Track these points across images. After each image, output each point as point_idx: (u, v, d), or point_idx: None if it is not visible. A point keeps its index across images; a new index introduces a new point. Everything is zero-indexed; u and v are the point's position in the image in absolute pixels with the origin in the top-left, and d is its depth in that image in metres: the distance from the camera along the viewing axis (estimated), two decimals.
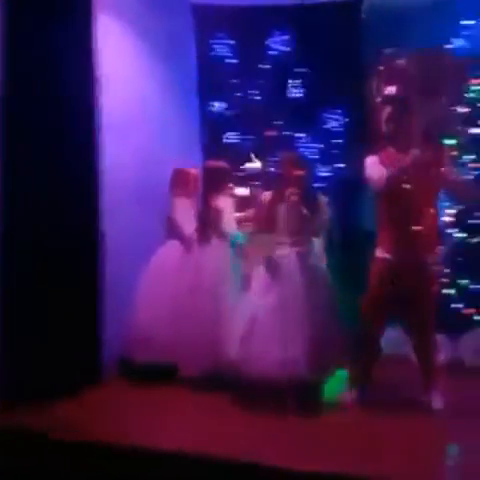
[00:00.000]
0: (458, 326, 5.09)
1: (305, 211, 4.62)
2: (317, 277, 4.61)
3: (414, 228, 4.32)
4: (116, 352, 5.20)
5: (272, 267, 4.60)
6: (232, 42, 6.51)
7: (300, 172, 4.72)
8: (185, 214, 5.37)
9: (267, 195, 4.79)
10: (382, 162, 4.46)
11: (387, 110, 4.57)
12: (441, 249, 4.63)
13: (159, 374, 5.01)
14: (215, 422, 4.31)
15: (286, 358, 4.32)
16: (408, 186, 4.34)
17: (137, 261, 5.26)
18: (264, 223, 4.74)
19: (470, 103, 5.64)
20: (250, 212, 5.22)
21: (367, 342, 4.53)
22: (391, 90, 6.45)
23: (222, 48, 6.52)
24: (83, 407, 4.57)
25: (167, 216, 5.43)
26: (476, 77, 5.67)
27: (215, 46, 6.53)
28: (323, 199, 4.81)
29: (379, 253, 4.48)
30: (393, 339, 5.17)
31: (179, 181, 5.48)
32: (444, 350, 5.25)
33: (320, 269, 4.75)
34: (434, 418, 4.30)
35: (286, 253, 4.62)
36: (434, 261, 4.46)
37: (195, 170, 5.56)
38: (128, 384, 5.08)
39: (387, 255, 4.43)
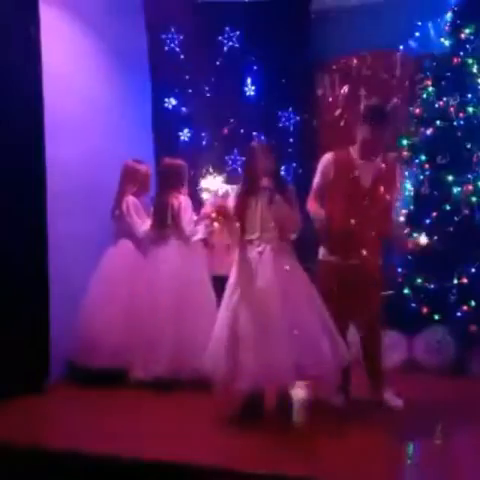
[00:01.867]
0: (413, 325, 5.08)
1: (282, 204, 4.25)
2: (295, 275, 4.28)
3: (358, 229, 4.31)
4: (63, 355, 5.08)
5: (244, 266, 4.29)
6: (184, 38, 6.44)
7: (273, 161, 4.37)
8: (136, 212, 5.26)
9: (237, 189, 4.48)
10: (342, 166, 4.42)
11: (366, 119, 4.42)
12: (387, 249, 4.58)
13: (108, 378, 4.88)
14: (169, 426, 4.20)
15: (265, 365, 4.01)
16: (362, 198, 4.35)
17: (86, 261, 5.13)
18: (235, 219, 4.38)
19: (423, 103, 5.63)
20: (214, 208, 5.08)
21: None
22: (344, 90, 6.50)
23: (174, 44, 6.44)
24: (28, 412, 4.45)
25: (117, 214, 5.30)
26: (428, 77, 5.67)
27: (167, 42, 6.45)
28: (293, 190, 4.42)
29: (323, 256, 4.49)
30: None
31: (129, 178, 5.35)
32: (400, 349, 5.29)
33: (298, 267, 4.35)
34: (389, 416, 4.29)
35: (260, 250, 4.28)
36: (379, 261, 4.45)
37: (146, 167, 5.44)
38: (75, 388, 4.96)
39: (331, 257, 4.43)
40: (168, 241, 5.12)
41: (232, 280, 4.32)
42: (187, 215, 5.10)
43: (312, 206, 4.46)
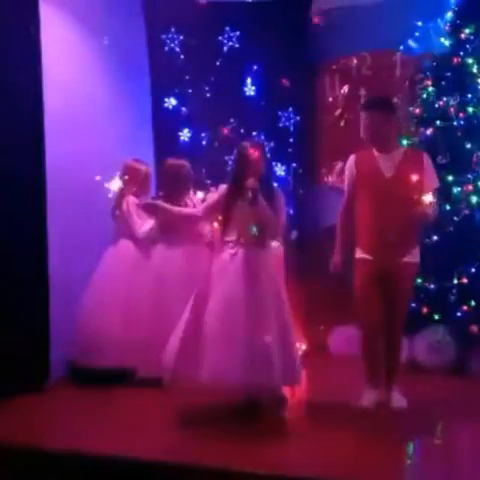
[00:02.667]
0: (413, 325, 5.07)
1: (264, 207, 4.21)
2: (264, 283, 4.20)
3: (393, 228, 4.28)
4: (63, 355, 5.06)
5: (218, 268, 4.26)
6: (184, 38, 6.43)
7: (262, 163, 4.31)
8: (137, 212, 5.25)
9: (222, 188, 4.43)
10: (363, 162, 4.45)
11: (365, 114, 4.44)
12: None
13: (108, 378, 4.88)
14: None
15: (220, 367, 3.99)
16: (387, 188, 4.33)
17: (86, 261, 5.12)
18: (218, 219, 4.40)
19: (423, 103, 5.63)
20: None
21: (371, 340, 4.46)
22: (344, 90, 6.51)
23: (174, 45, 6.43)
24: (28, 412, 4.44)
25: (117, 214, 5.29)
26: (428, 77, 5.68)
27: (167, 42, 6.43)
28: (281, 195, 4.41)
29: (359, 254, 4.46)
30: None
31: (129, 178, 5.34)
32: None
33: (270, 274, 4.29)
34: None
35: (233, 253, 4.24)
36: (412, 260, 4.42)
37: (146, 167, 5.44)
38: (75, 388, 4.95)
39: (367, 256, 4.41)
40: (173, 242, 5.11)
41: (201, 279, 4.33)
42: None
43: (339, 220, 4.57)
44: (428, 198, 4.20)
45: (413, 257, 4.39)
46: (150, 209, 4.82)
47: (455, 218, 5.31)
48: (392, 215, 4.26)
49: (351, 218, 4.50)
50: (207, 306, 4.17)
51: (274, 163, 6.09)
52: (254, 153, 4.30)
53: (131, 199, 5.27)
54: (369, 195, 4.38)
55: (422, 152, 4.55)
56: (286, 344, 4.18)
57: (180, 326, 4.24)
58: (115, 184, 5.22)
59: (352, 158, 4.51)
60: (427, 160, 4.42)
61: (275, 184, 4.55)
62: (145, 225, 5.22)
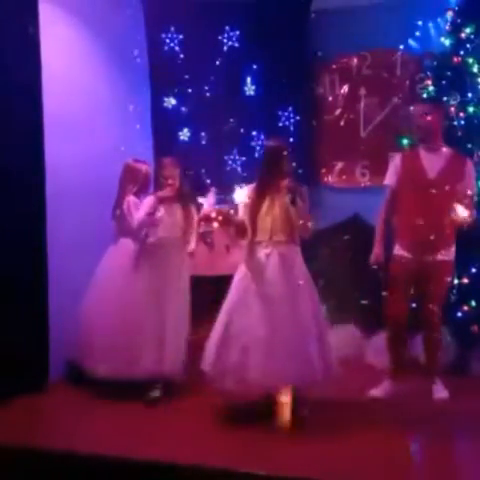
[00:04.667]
0: (413, 325, 5.07)
1: (291, 206, 4.20)
2: (301, 278, 4.23)
3: (431, 225, 4.46)
4: (63, 355, 5.06)
5: (253, 269, 4.24)
6: (184, 38, 6.42)
7: (284, 160, 4.31)
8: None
9: (251, 189, 4.39)
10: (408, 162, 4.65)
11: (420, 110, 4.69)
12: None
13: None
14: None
15: (267, 368, 3.99)
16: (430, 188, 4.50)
17: (86, 261, 5.09)
18: (246, 221, 4.33)
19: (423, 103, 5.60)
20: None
21: (396, 336, 4.68)
22: (344, 89, 6.50)
23: (174, 44, 6.42)
24: (28, 412, 4.46)
25: (118, 214, 5.28)
26: (428, 76, 5.67)
27: (167, 42, 6.42)
28: (306, 191, 4.37)
29: (397, 251, 4.64)
30: None
31: (130, 178, 5.32)
32: None
33: (303, 271, 4.29)
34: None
35: (268, 253, 4.24)
36: (447, 258, 4.60)
37: (146, 166, 5.42)
38: (75, 388, 4.93)
39: (405, 253, 4.58)
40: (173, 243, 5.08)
41: (236, 280, 4.29)
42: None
43: (378, 216, 4.75)
44: (463, 208, 4.39)
45: (448, 255, 4.59)
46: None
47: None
48: (429, 214, 4.46)
49: (391, 214, 4.71)
50: (247, 307, 4.16)
51: None
52: (280, 152, 4.34)
53: (132, 199, 5.26)
54: (411, 194, 4.56)
55: (466, 158, 4.73)
56: (324, 342, 4.23)
57: (218, 328, 4.22)
58: None
59: (398, 156, 4.74)
60: (471, 167, 4.64)
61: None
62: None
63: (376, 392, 4.68)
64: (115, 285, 5.07)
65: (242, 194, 4.48)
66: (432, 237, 4.48)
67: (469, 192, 4.51)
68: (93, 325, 4.95)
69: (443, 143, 4.71)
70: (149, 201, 4.86)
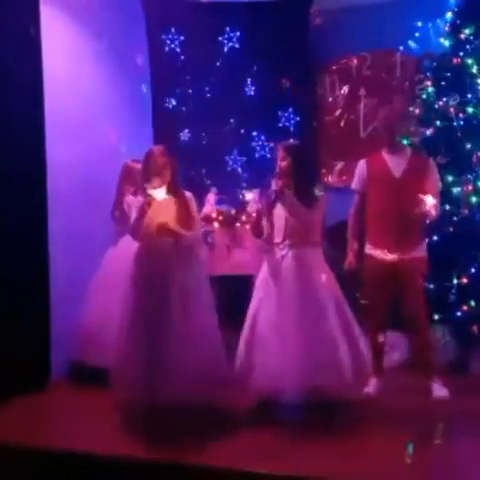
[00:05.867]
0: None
1: (301, 207, 4.16)
2: (319, 282, 4.17)
3: (402, 223, 4.48)
4: (65, 354, 5.07)
5: (271, 270, 4.22)
6: (184, 39, 6.44)
7: (288, 161, 4.25)
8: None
9: (257, 193, 4.46)
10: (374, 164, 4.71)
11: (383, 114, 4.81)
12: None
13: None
14: None
15: (287, 372, 3.95)
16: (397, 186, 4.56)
17: (87, 260, 5.12)
18: (260, 224, 4.31)
19: (422, 104, 5.62)
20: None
21: (375, 332, 4.68)
22: (344, 90, 6.51)
23: (175, 45, 6.44)
24: (29, 411, 4.45)
25: (117, 215, 5.29)
26: (428, 77, 5.67)
27: (167, 43, 6.44)
28: (322, 192, 4.31)
29: (369, 250, 4.66)
30: None
31: (128, 178, 5.33)
32: (400, 349, 5.30)
33: (320, 272, 4.23)
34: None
35: (283, 255, 4.22)
36: (419, 255, 4.61)
37: None
38: (77, 387, 4.93)
39: (378, 251, 4.60)
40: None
41: (257, 283, 4.31)
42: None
43: (349, 220, 4.79)
44: (431, 199, 4.40)
45: (420, 252, 4.61)
46: None
47: (455, 218, 5.30)
48: (397, 213, 4.48)
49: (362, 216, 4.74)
50: (263, 309, 4.17)
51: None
52: (277, 154, 4.34)
53: (131, 199, 5.27)
54: (379, 194, 4.61)
55: (428, 158, 4.82)
56: (353, 340, 4.16)
57: (245, 329, 4.22)
58: None
59: (363, 161, 4.77)
60: (433, 164, 4.72)
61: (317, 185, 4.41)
62: None
63: (366, 389, 4.63)
64: (119, 284, 5.09)
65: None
66: (402, 236, 4.51)
67: (433, 188, 4.57)
68: (96, 324, 4.98)
69: (404, 145, 4.80)
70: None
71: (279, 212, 4.26)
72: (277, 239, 4.28)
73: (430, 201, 4.38)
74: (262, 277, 4.30)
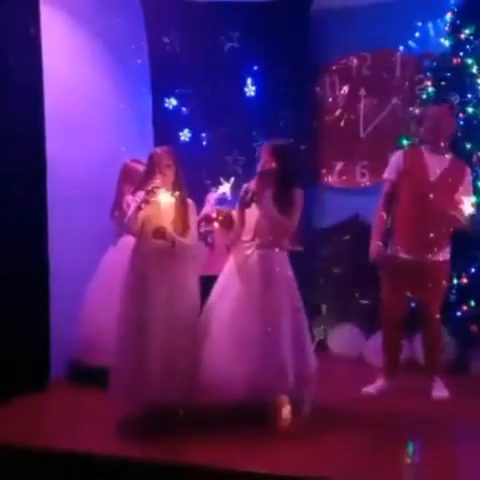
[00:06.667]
0: (413, 325, 5.08)
1: (276, 212, 4.12)
2: (281, 284, 4.14)
3: (429, 226, 4.51)
4: (64, 354, 5.07)
5: (232, 268, 4.19)
6: (184, 38, 6.41)
7: (272, 164, 4.22)
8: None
9: (242, 190, 4.30)
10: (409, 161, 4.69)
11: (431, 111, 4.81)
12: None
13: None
14: None
15: (242, 374, 3.92)
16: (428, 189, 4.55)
17: (87, 260, 5.12)
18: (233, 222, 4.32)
19: (422, 104, 5.62)
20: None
21: (392, 338, 4.76)
22: (344, 90, 6.51)
23: (174, 45, 6.43)
24: (29, 411, 4.44)
25: (117, 215, 5.28)
26: (428, 77, 5.68)
27: (167, 42, 6.43)
28: (299, 196, 4.24)
29: (394, 251, 4.66)
30: None
31: (127, 178, 5.33)
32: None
33: (285, 276, 4.20)
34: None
35: (248, 254, 4.18)
36: (442, 258, 4.63)
37: (143, 167, 5.40)
38: (77, 387, 4.91)
39: (402, 253, 4.61)
40: None
41: (218, 279, 4.27)
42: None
43: (376, 212, 4.73)
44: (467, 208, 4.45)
45: (444, 255, 4.63)
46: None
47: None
48: (427, 215, 4.49)
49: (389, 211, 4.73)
50: (219, 308, 4.14)
51: None
52: (262, 154, 4.34)
53: (130, 199, 5.26)
54: (411, 192, 4.59)
55: (465, 165, 4.78)
56: (300, 349, 4.12)
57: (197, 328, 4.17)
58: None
59: (400, 152, 4.76)
60: (469, 173, 4.71)
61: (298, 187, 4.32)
62: None
63: (369, 389, 4.71)
64: (118, 284, 5.09)
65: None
66: (429, 238, 4.50)
67: (467, 198, 4.53)
68: (96, 324, 4.98)
69: (447, 147, 4.75)
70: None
71: (252, 211, 4.23)
72: (246, 237, 4.24)
73: (467, 209, 4.41)
74: (223, 273, 4.25)
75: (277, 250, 4.21)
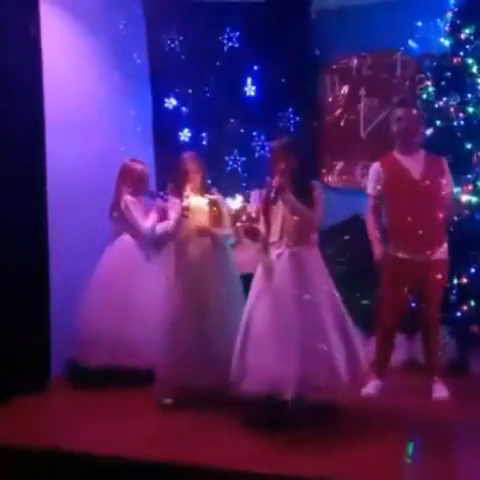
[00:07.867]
0: (413, 325, 5.08)
1: (298, 205, 4.13)
2: (315, 281, 4.15)
3: (423, 225, 4.50)
4: (64, 354, 5.07)
5: (266, 270, 4.18)
6: (184, 38, 6.44)
7: (287, 160, 4.22)
8: (136, 209, 5.25)
9: (257, 192, 4.37)
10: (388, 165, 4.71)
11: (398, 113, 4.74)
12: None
13: (111, 378, 4.86)
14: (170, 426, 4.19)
15: (284, 372, 3.89)
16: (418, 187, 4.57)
17: (87, 260, 5.13)
18: (254, 228, 4.30)
19: (422, 104, 5.62)
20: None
21: (386, 339, 4.77)
22: (344, 90, 6.51)
23: (174, 45, 6.44)
24: (29, 411, 4.45)
25: (115, 215, 5.29)
26: (428, 77, 5.67)
27: (167, 42, 6.44)
28: (319, 189, 4.30)
29: (391, 251, 4.65)
30: None
31: (125, 177, 5.33)
32: (400, 349, 5.30)
33: (319, 271, 4.23)
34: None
35: (279, 253, 4.18)
36: (441, 257, 4.63)
37: (141, 166, 5.41)
38: (76, 387, 4.94)
39: (399, 253, 4.60)
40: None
41: (253, 282, 4.27)
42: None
43: (368, 222, 4.79)
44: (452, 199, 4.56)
45: (442, 254, 4.63)
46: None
47: (455, 218, 5.30)
48: (420, 214, 4.50)
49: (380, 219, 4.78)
50: (258, 309, 4.14)
51: None
52: (273, 152, 4.38)
53: (129, 198, 5.28)
54: (400, 197, 4.61)
55: (441, 158, 4.79)
56: (348, 339, 4.13)
57: (240, 331, 4.18)
58: None
59: (377, 164, 4.76)
60: (447, 165, 4.75)
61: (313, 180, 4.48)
62: (148, 221, 5.24)
63: (369, 390, 4.69)
64: (116, 284, 5.10)
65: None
66: (425, 236, 4.51)
67: (450, 187, 4.68)
68: (95, 324, 4.97)
69: (418, 145, 4.76)
70: (175, 206, 4.73)
71: (276, 210, 4.24)
72: (273, 238, 4.24)
73: (452, 201, 4.52)
74: (257, 277, 4.27)
75: (306, 246, 4.22)
